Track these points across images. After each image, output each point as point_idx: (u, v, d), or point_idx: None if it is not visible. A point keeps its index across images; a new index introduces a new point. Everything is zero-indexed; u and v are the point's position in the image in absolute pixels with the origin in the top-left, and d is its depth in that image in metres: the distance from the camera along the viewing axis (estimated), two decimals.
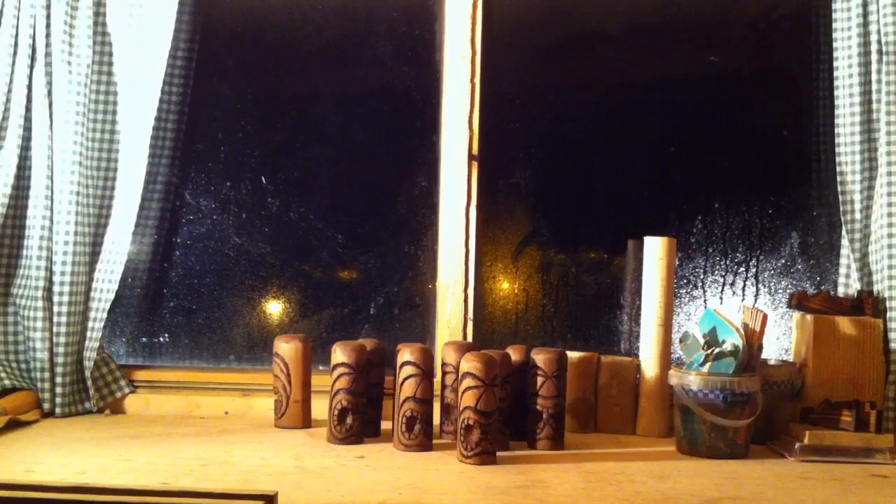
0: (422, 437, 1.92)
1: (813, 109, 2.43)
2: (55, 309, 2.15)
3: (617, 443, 2.10)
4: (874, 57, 2.19)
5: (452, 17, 2.39)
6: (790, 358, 2.22)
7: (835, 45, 2.25)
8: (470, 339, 2.34)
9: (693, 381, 1.96)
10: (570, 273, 2.47)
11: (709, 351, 1.99)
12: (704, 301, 2.38)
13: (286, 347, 2.11)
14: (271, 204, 2.44)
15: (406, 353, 1.93)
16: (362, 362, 1.98)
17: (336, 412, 1.96)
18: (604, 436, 2.16)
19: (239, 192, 2.44)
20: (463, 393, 1.82)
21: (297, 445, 1.95)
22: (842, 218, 2.24)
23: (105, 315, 2.20)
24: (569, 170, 2.49)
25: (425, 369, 1.92)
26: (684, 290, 2.39)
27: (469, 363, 1.81)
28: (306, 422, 2.12)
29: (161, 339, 2.41)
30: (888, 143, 2.15)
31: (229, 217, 2.43)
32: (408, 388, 1.91)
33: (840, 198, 2.24)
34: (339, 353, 1.97)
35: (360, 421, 1.98)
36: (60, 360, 2.15)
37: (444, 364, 2.04)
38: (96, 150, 2.24)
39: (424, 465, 1.81)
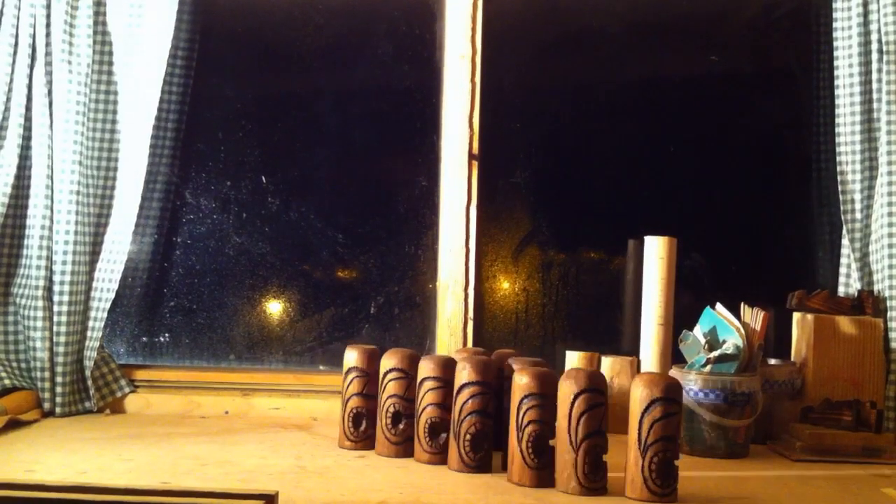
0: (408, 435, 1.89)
1: (813, 109, 2.43)
2: (55, 309, 2.15)
3: (617, 442, 2.09)
4: (874, 56, 2.19)
5: (453, 16, 2.39)
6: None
7: (835, 44, 2.25)
8: (470, 338, 2.34)
9: (693, 380, 1.96)
10: (571, 272, 2.46)
11: (710, 354, 1.99)
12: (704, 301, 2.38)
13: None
14: (271, 204, 2.44)
15: (391, 360, 1.91)
16: (376, 366, 1.93)
17: (350, 417, 1.93)
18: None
19: (239, 191, 2.44)
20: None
21: (297, 445, 1.95)
22: (842, 218, 2.24)
23: (105, 315, 2.20)
24: (569, 169, 2.49)
25: (411, 374, 1.89)
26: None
27: (466, 371, 1.78)
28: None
29: (161, 339, 2.41)
30: (888, 143, 2.15)
31: (229, 217, 2.43)
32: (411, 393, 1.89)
33: (840, 198, 2.24)
34: (351, 357, 1.95)
35: (374, 426, 1.93)
36: (60, 359, 2.15)
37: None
38: (96, 150, 2.24)
39: (425, 465, 1.81)
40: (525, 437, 1.66)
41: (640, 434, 1.59)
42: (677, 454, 1.60)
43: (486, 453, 1.75)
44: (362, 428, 1.92)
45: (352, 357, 1.94)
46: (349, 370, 1.94)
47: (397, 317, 2.44)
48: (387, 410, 1.87)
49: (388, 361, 1.89)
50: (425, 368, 1.84)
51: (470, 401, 1.74)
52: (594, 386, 1.62)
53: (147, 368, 2.34)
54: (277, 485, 1.57)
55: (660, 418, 1.58)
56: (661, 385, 1.59)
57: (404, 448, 1.86)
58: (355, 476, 1.71)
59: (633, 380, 1.64)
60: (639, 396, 1.60)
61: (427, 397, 1.82)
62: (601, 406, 1.62)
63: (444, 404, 1.81)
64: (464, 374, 1.76)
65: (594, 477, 1.61)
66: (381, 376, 1.90)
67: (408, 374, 1.87)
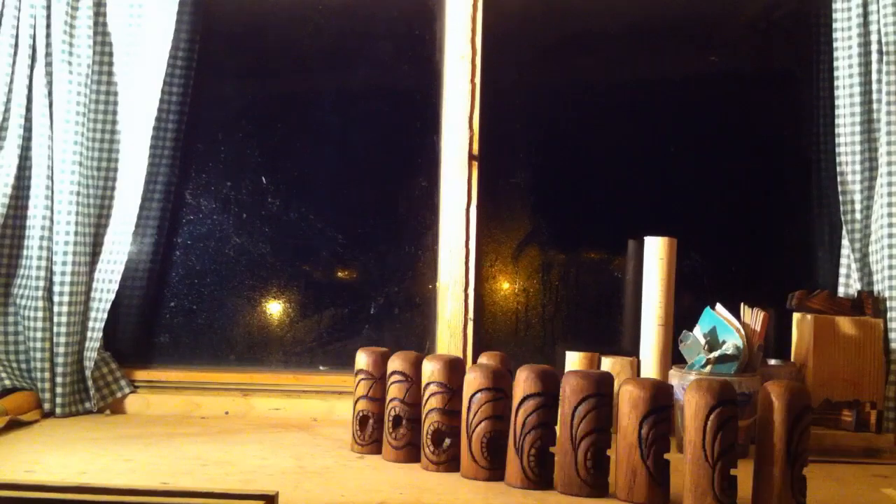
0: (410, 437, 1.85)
1: (813, 109, 2.43)
2: (55, 309, 2.15)
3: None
4: (874, 57, 2.19)
5: (453, 16, 2.39)
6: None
7: (835, 45, 2.25)
8: (470, 339, 2.34)
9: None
10: (571, 273, 2.46)
11: (710, 355, 1.98)
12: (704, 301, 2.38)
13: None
14: (271, 204, 2.44)
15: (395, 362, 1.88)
16: (383, 370, 1.90)
17: (357, 420, 1.90)
18: None
19: (239, 192, 2.44)
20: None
21: (297, 445, 1.95)
22: (842, 218, 2.24)
23: (105, 315, 2.20)
24: (569, 170, 2.49)
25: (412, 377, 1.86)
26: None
27: (528, 381, 1.70)
28: None
29: (161, 339, 2.41)
30: (888, 143, 2.15)
31: (229, 217, 2.43)
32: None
33: (840, 198, 2.24)
34: (361, 359, 1.93)
35: (381, 430, 1.90)
36: (60, 360, 2.15)
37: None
38: (96, 150, 2.24)
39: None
40: (583, 447, 1.61)
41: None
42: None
43: (549, 468, 1.67)
44: (368, 431, 1.90)
45: (361, 360, 1.93)
46: (357, 372, 1.93)
47: (397, 317, 2.44)
48: (388, 414, 1.85)
49: (392, 364, 1.87)
50: (430, 372, 1.79)
51: (534, 414, 1.65)
52: (727, 398, 1.55)
53: (147, 369, 2.34)
54: (277, 485, 1.58)
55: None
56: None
57: (405, 453, 1.83)
58: (355, 476, 1.71)
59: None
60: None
61: (431, 402, 1.78)
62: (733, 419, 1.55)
63: (450, 410, 1.76)
64: (525, 384, 1.66)
65: (729, 494, 1.52)
66: (386, 379, 1.87)
67: (409, 378, 1.84)
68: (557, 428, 1.65)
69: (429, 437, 1.77)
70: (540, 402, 1.65)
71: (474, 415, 1.71)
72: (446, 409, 1.77)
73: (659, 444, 1.57)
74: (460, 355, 2.34)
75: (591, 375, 1.64)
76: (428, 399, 1.78)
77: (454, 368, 1.78)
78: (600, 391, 1.62)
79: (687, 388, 1.57)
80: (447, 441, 1.76)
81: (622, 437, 1.59)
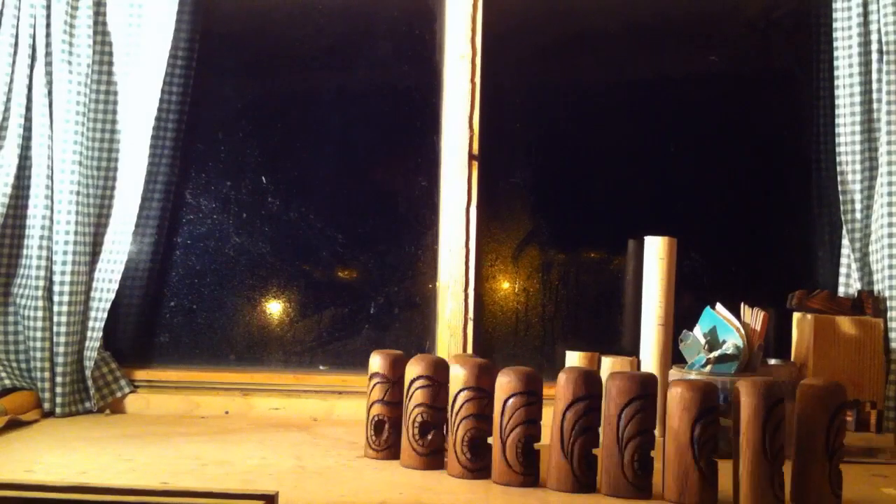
0: (392, 440, 1.84)
1: (813, 109, 2.43)
2: (55, 309, 2.15)
3: None
4: (874, 57, 2.19)
5: (453, 16, 2.39)
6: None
7: (835, 45, 2.25)
8: (470, 339, 2.34)
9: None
10: (571, 273, 2.46)
11: (710, 354, 1.98)
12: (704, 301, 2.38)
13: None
14: (271, 204, 2.44)
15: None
16: (399, 373, 1.84)
17: (372, 424, 1.85)
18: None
19: (239, 192, 2.44)
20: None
21: (297, 445, 1.95)
22: (842, 218, 2.24)
23: (105, 315, 2.20)
24: (569, 169, 2.49)
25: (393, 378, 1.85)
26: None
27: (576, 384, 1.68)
28: None
29: (161, 339, 2.41)
30: (888, 143, 2.15)
31: (229, 217, 2.43)
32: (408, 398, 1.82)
33: (840, 198, 2.24)
34: (375, 362, 1.88)
35: (398, 435, 1.84)
36: (60, 359, 2.15)
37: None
38: (96, 150, 2.24)
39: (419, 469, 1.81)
40: (630, 449, 1.60)
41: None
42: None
43: (594, 471, 1.65)
44: (384, 436, 1.84)
45: (375, 362, 1.87)
46: (372, 376, 1.87)
47: (397, 317, 2.44)
48: (412, 420, 1.77)
49: (414, 368, 1.80)
50: (460, 376, 1.73)
51: (582, 417, 1.63)
52: (780, 397, 1.57)
53: (147, 368, 2.34)
54: (277, 485, 1.57)
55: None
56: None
57: (430, 460, 1.77)
58: (355, 476, 1.71)
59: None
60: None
61: (465, 408, 1.72)
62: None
63: (484, 414, 1.71)
64: (573, 388, 1.63)
65: (782, 490, 1.56)
66: (406, 384, 1.80)
67: (436, 382, 1.77)
68: (601, 430, 1.64)
69: (464, 443, 1.71)
70: (586, 406, 1.63)
71: (508, 419, 1.67)
72: (481, 414, 1.71)
73: (709, 445, 1.58)
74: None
75: (637, 377, 1.63)
76: (463, 405, 1.72)
77: (486, 372, 1.73)
78: (646, 392, 1.62)
79: (741, 389, 1.58)
80: (480, 447, 1.71)
81: (673, 439, 1.59)
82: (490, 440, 1.70)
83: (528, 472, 1.67)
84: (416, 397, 1.78)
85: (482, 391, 1.72)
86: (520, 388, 1.67)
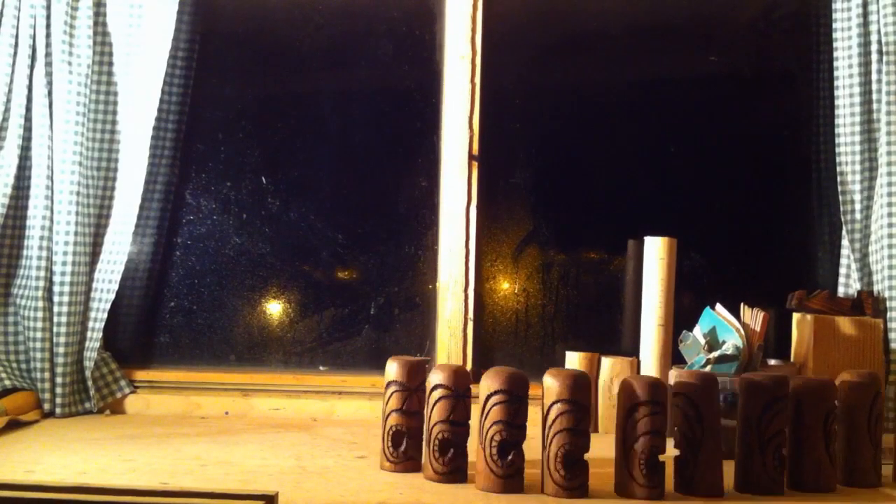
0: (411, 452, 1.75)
1: (813, 110, 2.43)
2: (55, 309, 2.15)
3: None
4: (874, 57, 2.20)
5: (453, 17, 2.39)
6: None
7: (835, 45, 2.26)
8: (470, 339, 2.34)
9: None
10: (571, 273, 2.47)
11: (710, 355, 1.99)
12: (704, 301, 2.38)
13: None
14: (271, 204, 2.44)
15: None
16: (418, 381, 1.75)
17: (390, 435, 1.75)
18: (604, 436, 2.15)
19: (239, 192, 2.44)
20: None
21: (297, 446, 1.95)
22: (842, 218, 2.25)
23: (105, 315, 2.20)
24: (569, 170, 2.49)
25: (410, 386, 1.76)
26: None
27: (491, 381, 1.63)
28: None
29: (161, 339, 2.41)
30: (888, 143, 2.15)
31: (229, 217, 2.43)
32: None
33: (840, 198, 2.24)
34: (392, 369, 1.77)
35: (417, 447, 1.74)
36: (60, 360, 2.15)
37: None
38: (96, 150, 2.24)
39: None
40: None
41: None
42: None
43: (662, 475, 1.62)
44: (403, 448, 1.74)
45: (392, 369, 1.76)
46: (389, 384, 1.76)
47: (397, 317, 2.44)
48: (433, 437, 1.67)
49: (437, 377, 1.69)
50: (489, 386, 1.63)
51: (644, 420, 1.59)
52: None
53: (147, 369, 2.34)
54: (277, 485, 1.57)
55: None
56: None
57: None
58: (355, 477, 1.71)
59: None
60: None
61: (492, 414, 1.62)
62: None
63: (515, 423, 1.61)
64: (639, 392, 1.60)
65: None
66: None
67: (456, 393, 1.66)
68: (737, 434, 1.68)
69: (493, 450, 1.61)
70: (650, 411, 1.59)
71: (549, 427, 1.60)
72: (513, 423, 1.62)
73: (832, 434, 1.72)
74: (460, 355, 2.34)
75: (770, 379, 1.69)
76: (488, 413, 1.62)
77: (518, 380, 1.64)
78: (784, 394, 1.67)
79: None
80: (511, 455, 1.61)
81: (809, 432, 1.69)
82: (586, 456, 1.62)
83: (569, 482, 1.59)
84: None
85: (576, 404, 1.61)
86: (564, 394, 1.60)
